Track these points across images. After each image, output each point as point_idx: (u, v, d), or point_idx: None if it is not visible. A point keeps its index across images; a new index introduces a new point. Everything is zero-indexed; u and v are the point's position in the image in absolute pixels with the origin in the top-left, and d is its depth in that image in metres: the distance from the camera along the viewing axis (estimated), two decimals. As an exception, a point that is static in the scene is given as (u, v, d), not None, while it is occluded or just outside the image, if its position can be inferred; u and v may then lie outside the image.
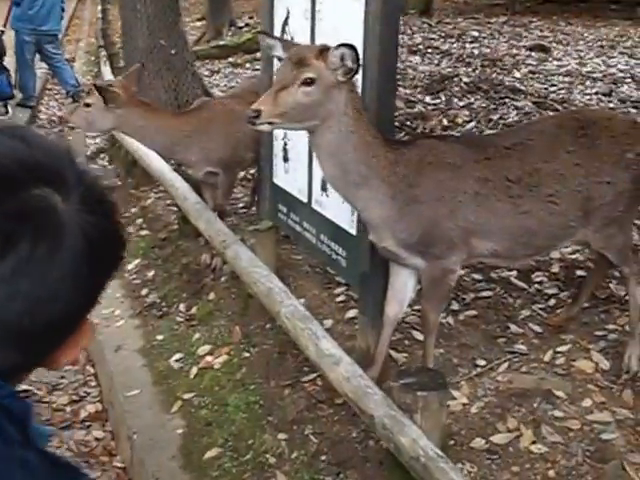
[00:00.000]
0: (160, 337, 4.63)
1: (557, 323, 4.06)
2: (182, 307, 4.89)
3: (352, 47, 2.87)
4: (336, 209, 3.80)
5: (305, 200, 4.23)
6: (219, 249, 4.29)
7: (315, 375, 3.77)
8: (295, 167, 4.33)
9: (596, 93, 8.54)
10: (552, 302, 4.36)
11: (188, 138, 4.56)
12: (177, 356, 4.39)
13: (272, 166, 4.62)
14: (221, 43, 12.31)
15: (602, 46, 11.51)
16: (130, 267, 5.62)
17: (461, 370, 3.80)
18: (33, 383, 4.64)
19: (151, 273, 5.46)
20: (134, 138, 4.80)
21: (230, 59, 11.78)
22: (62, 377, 4.73)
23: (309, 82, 2.90)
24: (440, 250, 3.22)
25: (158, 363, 4.38)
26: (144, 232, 6.16)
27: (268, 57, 4.34)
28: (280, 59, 3.17)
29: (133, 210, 6.69)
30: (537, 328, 4.10)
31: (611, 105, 8.10)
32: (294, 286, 4.45)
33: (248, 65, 11.34)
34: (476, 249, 3.28)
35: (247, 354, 4.16)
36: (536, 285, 4.52)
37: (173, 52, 7.33)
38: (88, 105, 4.35)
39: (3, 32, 10.02)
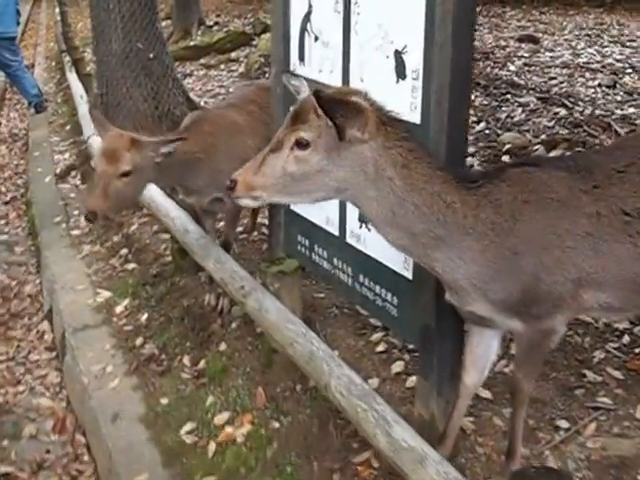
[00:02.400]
0: (165, 401, 3.84)
1: (641, 367, 3.41)
2: (187, 360, 4.11)
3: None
4: (381, 246, 3.03)
5: (336, 233, 3.51)
6: (237, 297, 3.52)
7: (370, 454, 3.04)
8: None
9: (599, 85, 8.12)
10: (626, 339, 3.71)
11: (198, 160, 3.77)
12: (189, 426, 3.61)
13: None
14: (191, 44, 11.49)
15: (589, 35, 11.05)
16: (119, 309, 4.83)
17: (541, 435, 3.13)
18: (14, 463, 3.86)
19: (144, 317, 4.66)
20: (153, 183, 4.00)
21: (202, 60, 11.00)
22: (48, 451, 3.95)
23: (304, 145, 2.22)
24: (544, 309, 2.48)
25: (166, 436, 3.59)
26: (131, 265, 5.36)
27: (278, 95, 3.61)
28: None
29: (115, 239, 5.89)
30: (617, 374, 3.47)
31: (618, 98, 7.56)
32: (323, 334, 3.71)
33: (222, 67, 10.58)
34: (586, 303, 2.54)
35: (277, 424, 3.41)
36: (603, 319, 3.82)
37: (151, 56, 6.53)
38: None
39: None
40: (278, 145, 2.25)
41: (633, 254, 2.48)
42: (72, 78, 9.04)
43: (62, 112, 10.34)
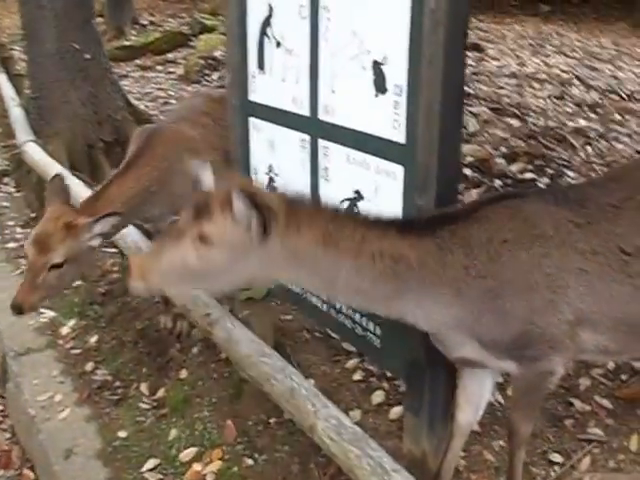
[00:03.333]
0: (123, 434, 3.54)
1: (629, 396, 3.28)
2: (144, 388, 3.82)
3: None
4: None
5: (309, 253, 3.25)
6: (202, 326, 3.25)
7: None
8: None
9: (549, 97, 8.15)
10: (611, 365, 3.59)
11: (153, 193, 3.49)
12: (151, 463, 3.32)
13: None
14: (126, 44, 11.04)
15: (532, 44, 11.12)
16: (64, 331, 4.49)
17: (536, 471, 2.97)
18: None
19: (93, 339, 4.34)
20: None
21: (137, 61, 10.58)
22: (-8, 489, 3.62)
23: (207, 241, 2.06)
24: (540, 351, 2.30)
25: (127, 474, 3.29)
26: (75, 282, 4.99)
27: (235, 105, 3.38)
28: None
29: (56, 252, 5.49)
30: (606, 403, 3.36)
31: (568, 109, 7.61)
32: (296, 362, 3.47)
33: (160, 68, 10.20)
34: (584, 344, 2.36)
35: (250, 461, 3.16)
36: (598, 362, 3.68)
37: (88, 57, 6.15)
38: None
39: None
40: (178, 236, 2.07)
41: (633, 295, 2.30)
42: (1, 78, 8.54)
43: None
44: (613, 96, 8.23)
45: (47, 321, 4.63)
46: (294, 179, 3.21)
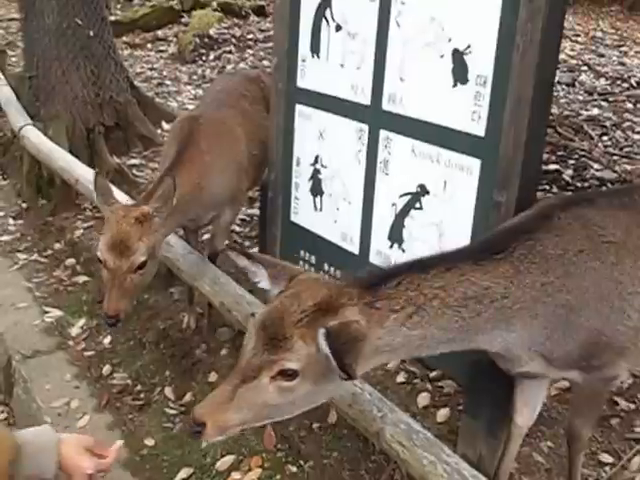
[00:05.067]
0: (150, 442, 3.63)
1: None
2: (169, 392, 3.91)
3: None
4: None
5: (355, 251, 3.40)
6: (243, 324, 3.34)
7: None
8: (336, 204, 3.47)
9: (559, 82, 8.35)
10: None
11: (200, 191, 3.57)
12: (185, 472, 3.41)
13: (289, 199, 3.74)
14: (112, 19, 11.04)
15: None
16: (75, 331, 4.56)
17: (586, 472, 3.13)
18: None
19: (107, 340, 4.42)
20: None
21: (125, 38, 10.61)
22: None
23: (290, 375, 2.01)
24: (606, 359, 2.42)
25: (160, 485, 3.40)
26: (82, 278, 5.09)
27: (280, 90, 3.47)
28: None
29: (57, 246, 5.58)
30: None
31: (580, 97, 7.81)
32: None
33: (150, 46, 10.24)
34: None
35: (294, 468, 3.26)
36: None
37: (92, 34, 6.21)
38: None
39: None
40: (253, 373, 2.00)
41: None
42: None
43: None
44: (623, 84, 8.43)
45: (53, 321, 4.70)
46: (345, 171, 3.32)
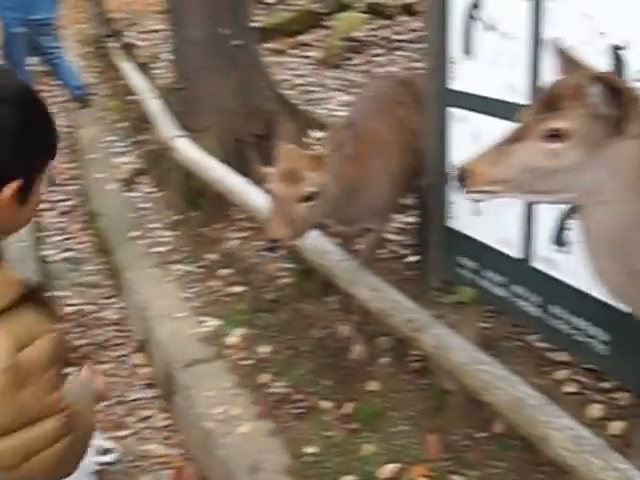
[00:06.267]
0: (311, 449, 3.85)
1: None
2: (328, 401, 4.13)
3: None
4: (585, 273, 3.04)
5: (516, 255, 3.52)
6: (404, 331, 3.53)
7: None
8: (495, 208, 3.59)
9: None
10: None
11: (357, 189, 3.77)
12: (346, 479, 3.62)
13: (445, 204, 3.90)
14: (253, 25, 11.46)
15: None
16: (233, 340, 4.86)
17: None
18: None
19: (265, 349, 4.69)
20: None
21: (267, 45, 10.93)
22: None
23: (560, 136, 2.15)
24: None
25: (323, 491, 3.62)
26: (239, 289, 5.39)
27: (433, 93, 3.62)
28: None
29: (211, 256, 5.92)
30: None
31: None
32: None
33: (293, 52, 10.48)
34: None
35: (459, 478, 3.42)
36: None
37: (238, 43, 6.55)
38: None
39: None
40: (523, 133, 2.20)
41: None
42: (128, 68, 9.13)
43: (112, 107, 10.44)
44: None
45: (211, 330, 5.02)
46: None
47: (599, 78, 2.09)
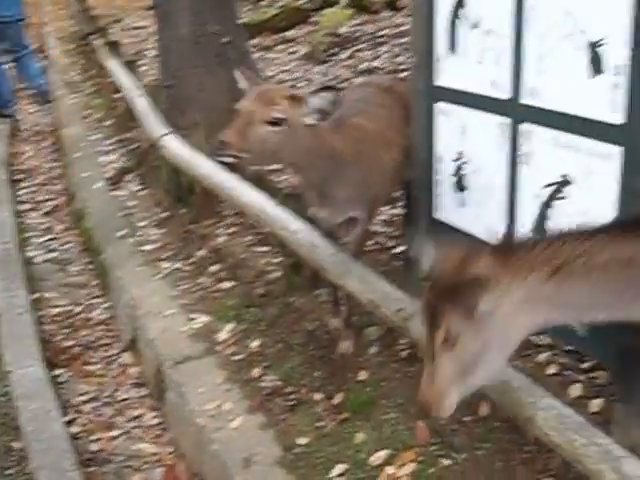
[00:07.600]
0: (303, 440, 4.04)
1: None
2: (319, 392, 4.32)
3: None
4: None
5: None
6: (392, 320, 3.73)
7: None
8: (479, 199, 3.81)
9: None
10: None
11: (344, 163, 3.91)
12: (339, 468, 3.80)
13: (431, 196, 4.10)
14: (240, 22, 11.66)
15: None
16: (223, 336, 5.05)
17: None
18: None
19: (255, 344, 4.88)
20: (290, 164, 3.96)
21: (254, 41, 11.13)
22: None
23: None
24: None
25: (314, 480, 3.81)
26: (228, 284, 5.59)
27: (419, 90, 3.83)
28: None
29: (200, 253, 6.12)
30: None
31: None
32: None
33: (280, 47, 10.70)
34: None
35: (448, 461, 3.61)
36: None
37: (225, 40, 6.73)
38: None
39: None
40: (443, 346, 2.45)
41: None
42: (113, 66, 9.27)
43: (96, 105, 10.60)
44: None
45: (201, 327, 5.21)
46: (488, 165, 3.67)
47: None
